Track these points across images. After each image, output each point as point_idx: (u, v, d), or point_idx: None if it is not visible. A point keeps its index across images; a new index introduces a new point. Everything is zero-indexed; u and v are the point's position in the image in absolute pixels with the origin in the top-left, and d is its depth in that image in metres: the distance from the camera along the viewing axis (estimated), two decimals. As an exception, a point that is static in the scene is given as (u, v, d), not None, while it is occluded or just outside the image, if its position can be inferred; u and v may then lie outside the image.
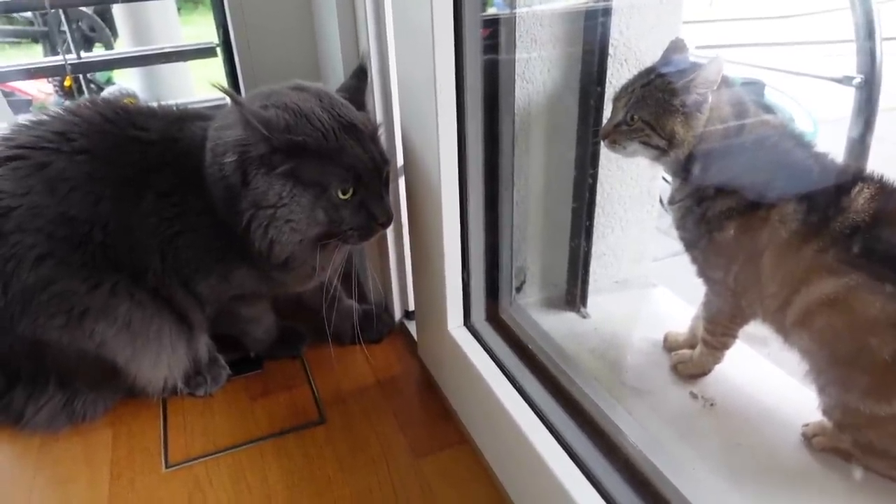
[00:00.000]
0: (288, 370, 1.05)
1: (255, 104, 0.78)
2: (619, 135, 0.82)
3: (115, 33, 2.35)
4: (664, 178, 1.38)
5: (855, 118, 1.67)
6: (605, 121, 1.02)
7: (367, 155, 0.81)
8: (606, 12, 0.99)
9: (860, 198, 0.71)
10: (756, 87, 1.61)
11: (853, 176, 0.73)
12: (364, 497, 0.81)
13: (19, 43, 2.37)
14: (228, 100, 0.78)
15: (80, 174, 0.84)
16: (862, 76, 1.64)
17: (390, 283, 1.11)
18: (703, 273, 0.88)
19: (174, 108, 0.93)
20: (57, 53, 2.29)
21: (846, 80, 1.66)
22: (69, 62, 1.09)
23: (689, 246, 0.87)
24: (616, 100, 0.85)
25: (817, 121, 1.60)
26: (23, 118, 0.95)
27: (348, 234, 0.82)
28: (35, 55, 2.50)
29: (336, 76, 1.04)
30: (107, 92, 1.82)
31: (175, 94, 1.87)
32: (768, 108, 1.69)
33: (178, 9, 2.46)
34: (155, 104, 0.93)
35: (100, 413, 0.96)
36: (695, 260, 0.88)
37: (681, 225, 0.86)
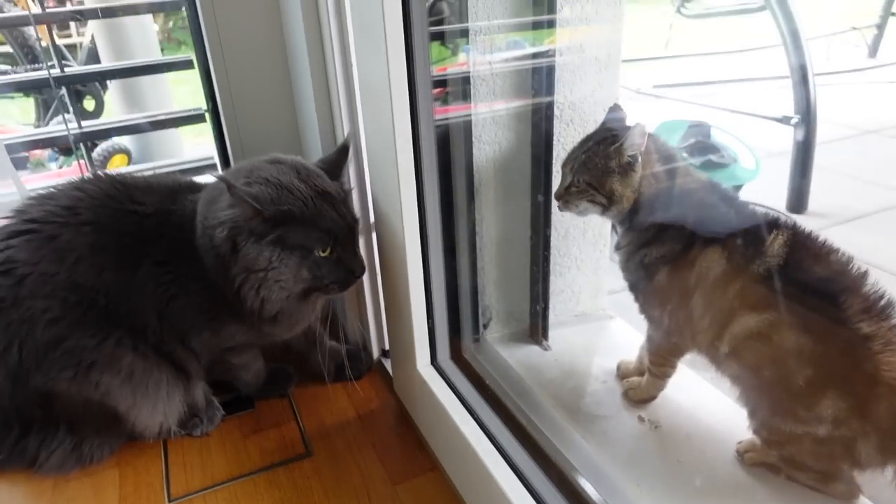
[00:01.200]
0: (277, 408, 1.16)
1: (239, 180, 0.90)
2: (570, 196, 0.94)
3: (104, 86, 2.47)
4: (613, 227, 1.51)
5: (795, 154, 1.82)
6: (555, 173, 1.15)
7: (341, 218, 0.92)
8: (551, 72, 1.11)
9: (775, 244, 0.81)
10: (702, 128, 1.76)
11: (770, 224, 0.83)
12: (348, 522, 0.92)
13: (12, 97, 2.47)
14: (217, 162, 0.90)
15: (85, 245, 0.94)
16: (799, 116, 1.79)
17: (368, 325, 1.22)
18: (643, 310, 0.99)
19: (168, 181, 1.04)
20: (48, 108, 2.40)
21: (785, 120, 1.81)
22: (72, 132, 1.20)
23: (632, 287, 0.98)
24: (564, 166, 0.97)
25: (760, 158, 1.74)
26: (30, 183, 1.06)
27: (329, 286, 0.94)
28: (27, 107, 2.59)
29: (314, 142, 1.16)
30: (101, 148, 1.94)
31: (164, 149, 1.99)
32: (714, 148, 1.84)
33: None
34: (150, 175, 1.04)
35: (106, 455, 1.05)
36: (636, 299, 0.99)
37: (625, 268, 0.98)
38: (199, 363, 1.04)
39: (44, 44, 2.46)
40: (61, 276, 0.93)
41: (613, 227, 1.39)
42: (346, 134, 1.08)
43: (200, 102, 1.33)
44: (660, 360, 1.01)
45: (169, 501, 0.97)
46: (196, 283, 0.96)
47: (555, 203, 1.17)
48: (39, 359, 0.93)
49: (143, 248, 0.95)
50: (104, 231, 0.95)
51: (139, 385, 0.98)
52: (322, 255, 0.91)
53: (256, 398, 1.17)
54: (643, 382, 1.07)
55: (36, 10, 1.14)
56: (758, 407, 0.88)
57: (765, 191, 1.87)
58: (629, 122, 0.95)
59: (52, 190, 1.00)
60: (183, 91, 3.11)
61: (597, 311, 1.35)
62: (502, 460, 0.82)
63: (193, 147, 2.79)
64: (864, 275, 0.77)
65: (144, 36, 1.90)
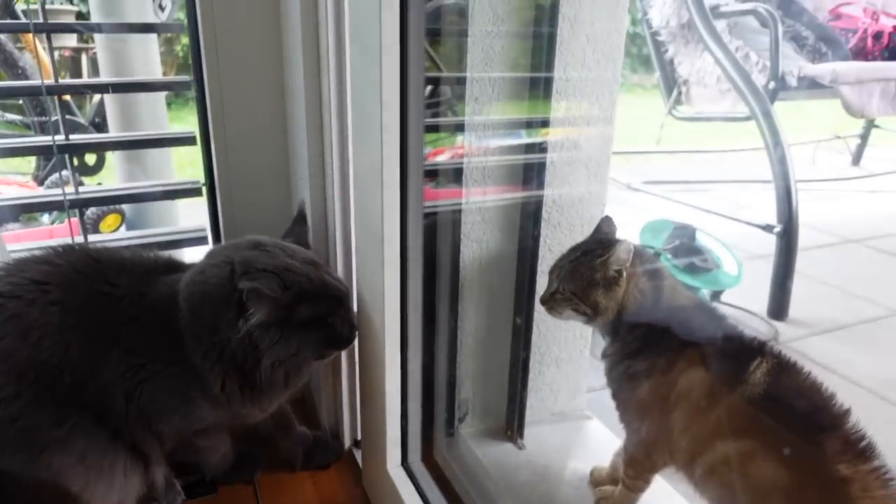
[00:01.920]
0: (240, 494, 1.12)
1: (224, 270, 0.92)
2: (555, 302, 0.95)
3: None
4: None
5: (776, 262, 1.86)
6: (540, 274, 1.17)
7: (336, 281, 0.96)
8: (541, 171, 1.15)
9: (758, 371, 0.81)
10: (687, 230, 1.80)
11: (755, 349, 0.83)
12: None
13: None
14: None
15: (52, 324, 0.92)
16: (781, 226, 1.84)
17: (342, 412, 1.20)
18: (623, 420, 0.98)
19: (144, 260, 1.02)
20: (49, 159, 2.43)
21: (768, 229, 1.87)
22: (67, 198, 1.21)
23: (614, 395, 0.98)
24: (551, 272, 0.98)
25: (742, 263, 1.78)
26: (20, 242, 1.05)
27: (340, 346, 0.99)
28: (28, 160, 2.62)
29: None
30: (95, 207, 1.95)
31: (160, 213, 2.00)
32: (698, 251, 1.87)
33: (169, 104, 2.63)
34: (127, 252, 1.03)
35: (55, 536, 1.01)
36: (617, 408, 0.98)
37: (608, 376, 0.97)
38: (160, 448, 1.01)
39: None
40: (23, 353, 0.90)
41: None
42: (335, 218, 1.11)
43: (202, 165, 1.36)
44: (635, 473, 0.99)
45: (116, 592, 0.93)
46: (169, 367, 0.94)
47: (537, 301, 1.19)
48: None
49: (113, 332, 0.94)
50: (72, 311, 0.94)
51: (93, 467, 0.94)
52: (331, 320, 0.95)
53: (220, 483, 1.14)
54: (616, 493, 1.06)
55: (49, 81, 1.17)
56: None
57: (746, 295, 1.91)
58: (619, 234, 0.98)
59: (20, 260, 0.98)
60: (185, 151, 3.16)
61: (574, 411, 1.34)
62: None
63: (188, 213, 2.82)
64: (847, 413, 0.77)
65: (154, 105, 1.95)
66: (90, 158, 2.38)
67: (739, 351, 0.85)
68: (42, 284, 0.94)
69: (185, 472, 1.11)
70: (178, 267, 1.01)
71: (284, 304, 0.91)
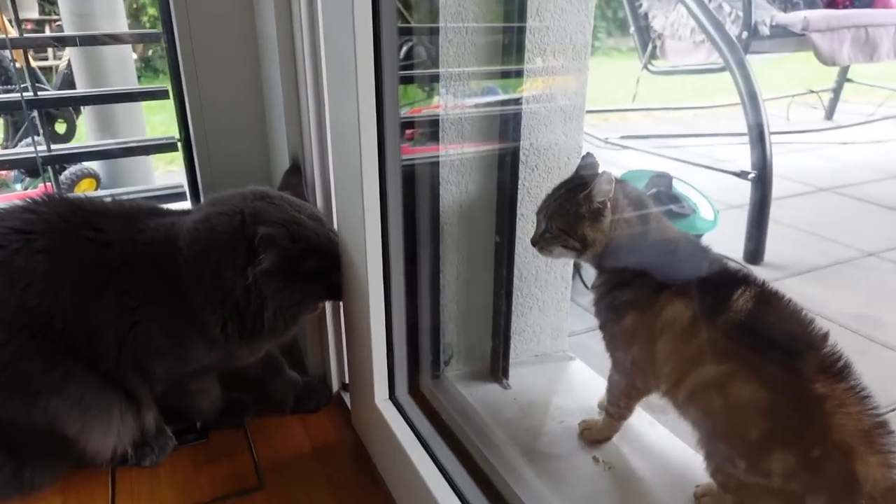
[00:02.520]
0: (231, 439, 1.14)
1: (234, 219, 0.94)
2: (545, 241, 0.98)
3: (77, 110, 2.46)
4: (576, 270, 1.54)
5: (752, 207, 1.90)
6: (520, 216, 1.19)
7: (334, 238, 1.00)
8: (518, 118, 1.16)
9: (741, 300, 0.83)
10: (664, 178, 1.83)
11: (739, 279, 0.86)
12: (295, 557, 0.90)
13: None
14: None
15: (39, 271, 0.92)
16: (756, 171, 1.88)
17: (329, 357, 1.22)
18: (609, 350, 1.02)
19: (127, 206, 1.03)
20: (19, 128, 2.38)
21: (743, 175, 1.90)
22: (41, 154, 1.19)
23: (601, 326, 1.01)
24: (538, 213, 1.00)
25: (718, 210, 1.81)
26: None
27: (340, 296, 1.04)
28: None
29: (284, 170, 1.18)
30: (69, 171, 1.92)
31: (134, 175, 1.98)
32: (675, 198, 1.90)
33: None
34: (109, 200, 1.04)
35: (48, 482, 1.02)
36: (604, 338, 1.02)
37: (595, 307, 1.00)
38: (150, 391, 1.03)
39: (17, 65, 2.46)
40: (10, 301, 0.91)
41: (576, 269, 1.44)
42: (313, 168, 1.11)
43: (176, 130, 1.35)
44: (619, 402, 1.03)
45: (113, 533, 0.95)
46: (165, 309, 0.96)
47: (518, 244, 1.21)
48: None
49: (104, 277, 0.95)
50: (60, 259, 0.94)
51: (89, 408, 0.96)
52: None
53: (211, 428, 1.16)
54: (599, 423, 1.09)
55: (14, 34, 1.14)
56: (713, 452, 0.90)
57: (722, 241, 1.95)
58: (599, 170, 0.99)
59: (1, 209, 0.98)
60: (159, 119, 3.12)
61: (557, 352, 1.37)
62: (456, 499, 0.82)
63: (165, 175, 2.79)
64: (825, 336, 0.80)
65: (122, 63, 1.91)
66: (60, 127, 2.33)
67: (724, 280, 0.88)
68: (26, 233, 0.94)
69: (177, 420, 1.13)
70: (161, 213, 1.02)
71: (292, 255, 0.94)
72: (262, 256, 0.93)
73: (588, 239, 0.94)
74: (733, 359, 0.84)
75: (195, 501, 1.00)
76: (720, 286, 0.87)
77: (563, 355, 1.37)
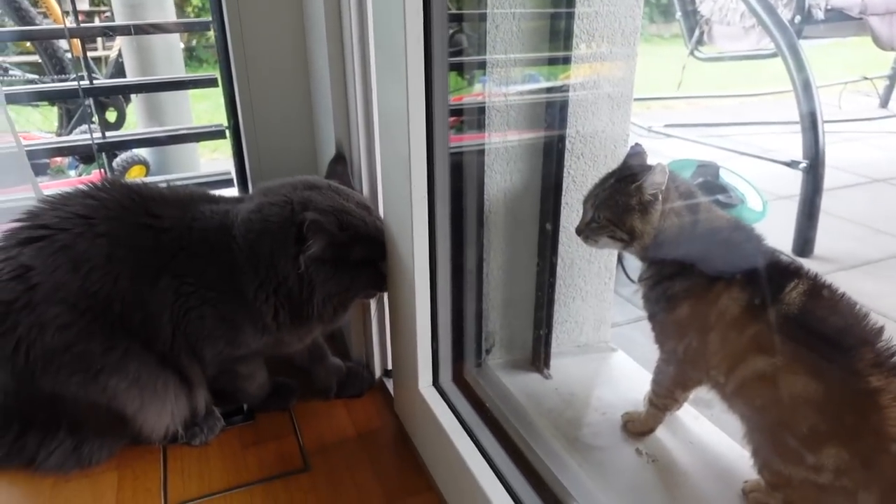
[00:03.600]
0: (277, 422, 1.16)
1: (285, 209, 0.96)
2: (591, 231, 0.96)
3: (127, 99, 2.53)
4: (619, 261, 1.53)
5: (802, 198, 1.84)
6: (564, 205, 1.18)
7: (381, 227, 1.01)
8: (564, 106, 1.15)
9: (794, 292, 0.82)
10: (710, 168, 1.78)
11: (792, 272, 0.84)
12: (340, 538, 0.92)
13: (37, 105, 2.53)
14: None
15: (100, 255, 0.96)
16: (807, 161, 1.82)
17: (372, 344, 1.23)
18: (658, 341, 1.00)
19: (182, 193, 1.06)
20: (71, 117, 2.46)
21: (794, 164, 1.84)
22: (95, 142, 1.23)
23: (651, 317, 0.99)
24: (585, 201, 0.99)
25: (767, 200, 1.76)
26: (49, 189, 1.09)
27: (374, 291, 1.06)
28: (50, 115, 2.65)
29: (329, 158, 1.19)
30: (120, 158, 1.98)
31: (181, 162, 2.03)
32: (722, 188, 1.86)
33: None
34: (164, 186, 1.07)
35: (105, 457, 1.06)
36: (653, 329, 1.00)
37: (646, 298, 0.99)
38: (202, 373, 1.06)
39: (70, 55, 2.54)
40: (74, 284, 0.95)
41: (619, 260, 1.42)
42: (359, 155, 1.12)
43: (221, 119, 1.37)
44: (665, 393, 1.02)
45: (165, 508, 0.98)
46: (218, 295, 0.99)
47: (562, 233, 1.20)
48: (48, 362, 0.95)
49: (160, 262, 0.98)
50: (119, 243, 0.98)
51: (146, 388, 0.99)
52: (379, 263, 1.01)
53: (257, 411, 1.18)
54: (642, 415, 1.08)
55: (70, 24, 1.18)
56: (761, 447, 0.88)
57: (771, 233, 1.89)
58: (649, 161, 0.98)
59: (63, 194, 1.02)
60: (203, 107, 3.18)
61: (599, 343, 1.36)
62: (500, 485, 0.82)
63: (209, 163, 2.84)
64: (880, 330, 0.78)
65: (170, 53, 1.96)
66: (111, 115, 2.40)
67: (777, 272, 0.86)
68: (87, 218, 0.97)
69: (225, 402, 1.16)
70: (214, 199, 1.04)
71: (340, 242, 0.96)
72: (311, 242, 0.94)
73: (636, 231, 0.93)
74: (785, 351, 0.81)
75: (243, 481, 1.03)
76: (773, 278, 0.85)
77: (605, 346, 1.36)
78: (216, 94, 1.37)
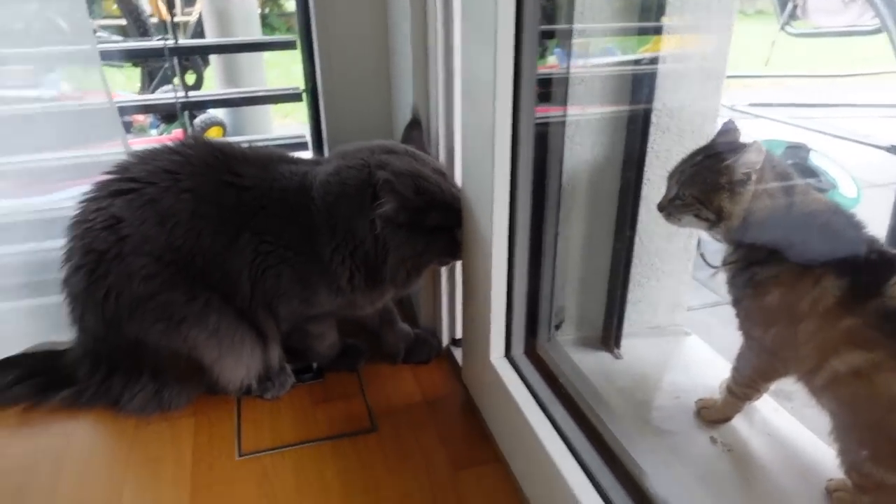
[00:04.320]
0: (345, 381, 1.18)
1: (363, 172, 0.97)
2: (674, 208, 0.92)
3: (205, 62, 2.59)
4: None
5: (901, 186, 1.71)
6: (646, 181, 1.13)
7: (458, 195, 1.00)
8: (652, 78, 1.10)
9: None
10: (800, 150, 1.68)
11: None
12: (407, 499, 0.93)
13: (121, 66, 2.63)
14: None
15: (185, 211, 0.99)
16: (910, 146, 1.68)
17: (441, 312, 1.23)
18: (743, 328, 0.96)
19: (263, 153, 1.07)
20: (153, 78, 2.54)
21: (893, 150, 1.71)
22: (179, 100, 1.26)
23: (736, 303, 0.95)
24: (670, 177, 0.95)
25: (861, 187, 1.65)
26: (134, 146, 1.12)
27: (448, 259, 1.06)
28: (133, 76, 2.75)
29: (404, 122, 1.18)
30: (199, 119, 2.03)
31: (256, 125, 2.07)
32: (812, 172, 1.76)
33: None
34: (246, 146, 1.08)
35: (183, 404, 1.10)
36: (738, 315, 0.95)
37: (731, 283, 0.94)
38: (277, 329, 1.08)
39: (153, 19, 2.62)
40: (160, 238, 0.98)
41: (700, 250, 1.36)
42: (437, 121, 1.10)
43: (290, 84, 1.38)
44: (747, 381, 0.98)
45: (239, 455, 1.02)
46: (296, 255, 1.00)
47: (644, 210, 1.16)
48: (134, 310, 0.99)
49: (242, 220, 1.00)
50: (203, 200, 1.00)
51: (224, 339, 1.02)
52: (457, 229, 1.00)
53: (326, 370, 1.21)
54: (719, 402, 1.04)
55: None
56: (850, 447, 0.83)
57: (864, 222, 1.78)
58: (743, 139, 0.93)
59: (152, 149, 1.05)
60: (274, 73, 3.24)
61: (672, 326, 1.32)
62: (572, 459, 0.81)
63: (280, 127, 2.90)
64: None
65: (248, 18, 1.99)
66: (190, 78, 2.47)
67: (879, 262, 0.80)
68: (174, 174, 1.00)
69: (295, 359, 1.18)
70: (294, 160, 1.05)
71: (415, 207, 0.96)
72: (383, 200, 0.94)
73: (724, 211, 0.88)
74: (885, 348, 0.76)
75: (312, 436, 1.05)
76: (874, 269, 0.80)
77: (678, 329, 1.31)
78: (286, 62, 1.39)
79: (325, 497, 0.93)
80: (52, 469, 0.99)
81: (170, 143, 1.05)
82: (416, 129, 1.12)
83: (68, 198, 1.16)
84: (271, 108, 2.28)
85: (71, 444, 1.04)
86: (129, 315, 1.00)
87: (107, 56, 1.12)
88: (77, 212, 1.03)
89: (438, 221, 0.99)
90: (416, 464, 0.99)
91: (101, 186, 1.02)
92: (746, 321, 0.95)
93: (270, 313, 1.04)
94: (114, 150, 1.18)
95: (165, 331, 0.99)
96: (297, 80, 1.40)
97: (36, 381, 1.12)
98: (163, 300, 0.98)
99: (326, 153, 1.30)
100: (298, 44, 1.29)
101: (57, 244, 1.06)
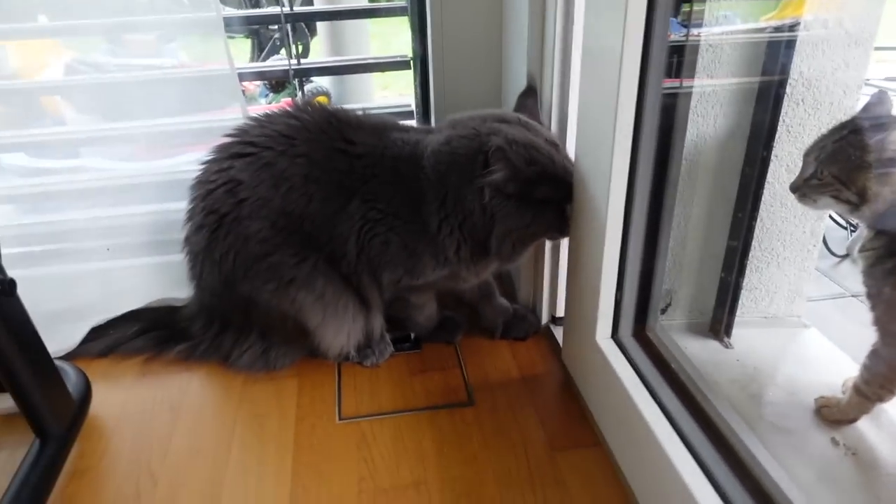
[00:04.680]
0: (443, 353, 1.18)
1: (474, 141, 0.95)
2: (809, 189, 0.85)
3: (312, 32, 2.65)
4: (837, 223, 1.34)
5: None
6: (774, 157, 1.05)
7: (570, 168, 0.96)
8: (790, 46, 1.00)
9: None
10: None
11: None
12: (504, 476, 0.92)
13: (232, 37, 2.72)
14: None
15: (298, 175, 1.01)
16: None
17: (541, 289, 1.20)
18: (880, 322, 0.88)
19: (376, 120, 1.07)
20: (262, 49, 2.62)
21: None
22: (292, 67, 1.29)
23: (872, 295, 0.87)
24: (807, 154, 0.87)
25: None
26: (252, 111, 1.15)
27: (556, 234, 1.02)
28: (243, 46, 2.85)
29: (517, 94, 1.14)
30: (306, 88, 2.08)
31: (359, 94, 2.09)
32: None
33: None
34: (359, 113, 1.08)
35: (288, 364, 1.14)
36: (874, 308, 0.88)
37: (868, 273, 0.86)
38: (380, 297, 1.09)
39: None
40: (275, 202, 1.01)
41: (824, 237, 1.25)
42: (552, 90, 1.06)
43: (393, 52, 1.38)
44: (880, 381, 0.89)
45: (339, 419, 1.04)
46: (404, 223, 1.00)
47: (768, 189, 1.07)
48: (248, 269, 1.03)
49: (352, 185, 1.00)
50: (316, 165, 1.01)
51: (329, 305, 1.04)
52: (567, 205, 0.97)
53: (424, 341, 1.21)
54: (843, 401, 0.96)
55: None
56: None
57: None
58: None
59: (269, 114, 1.07)
60: (375, 45, 3.27)
61: (790, 317, 1.23)
62: (683, 446, 0.76)
63: (380, 98, 2.93)
64: None
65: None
66: (296, 48, 2.53)
67: None
68: (290, 138, 1.02)
69: (394, 328, 1.19)
70: (405, 129, 1.04)
71: (525, 178, 0.93)
72: (494, 167, 0.92)
73: (869, 193, 0.80)
74: None
75: (410, 405, 1.06)
76: None
77: (796, 321, 1.22)
78: (386, 34, 1.37)
79: (423, 466, 0.94)
80: (169, 418, 1.05)
81: (287, 108, 1.07)
82: (531, 97, 1.09)
83: (189, 161, 1.22)
84: (373, 79, 2.30)
85: (185, 395, 1.10)
86: (243, 274, 1.03)
87: (226, 24, 1.15)
88: (199, 173, 1.07)
89: (548, 195, 0.96)
90: (513, 441, 0.98)
91: (221, 149, 1.06)
92: (885, 315, 0.86)
93: (374, 281, 1.05)
94: (232, 115, 1.22)
95: (275, 291, 1.02)
96: (398, 50, 1.40)
97: (156, 335, 1.20)
98: (275, 261, 1.01)
99: (433, 123, 1.29)
100: (409, 10, 1.28)
101: (177, 206, 1.12)
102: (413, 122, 1.39)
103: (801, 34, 1.00)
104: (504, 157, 0.91)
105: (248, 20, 1.70)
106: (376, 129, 1.05)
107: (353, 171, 1.00)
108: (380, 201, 1.00)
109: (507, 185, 0.94)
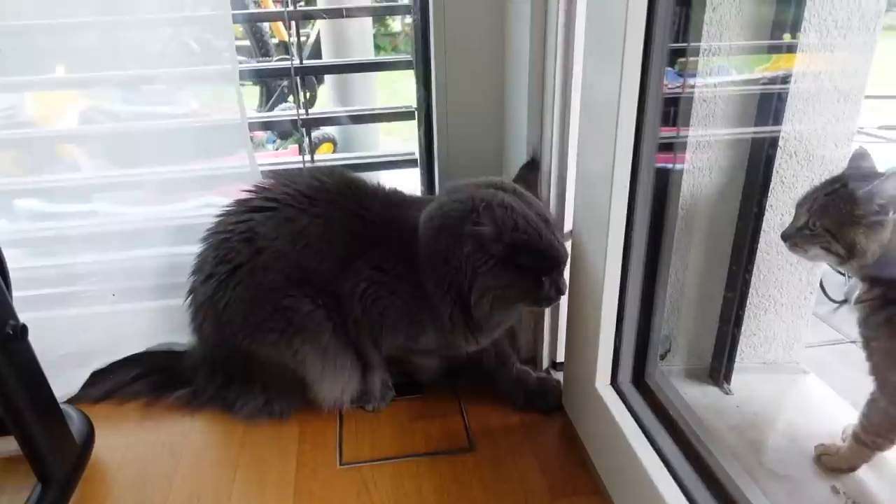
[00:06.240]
0: (444, 398, 1.19)
1: (466, 205, 0.96)
2: (801, 239, 0.88)
3: (319, 80, 2.72)
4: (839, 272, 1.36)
5: None
6: (769, 207, 1.07)
7: (560, 247, 0.97)
8: (781, 99, 1.04)
9: None
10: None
11: None
12: (505, 524, 0.92)
13: (243, 84, 2.80)
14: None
15: (315, 235, 1.04)
16: None
17: (542, 336, 1.21)
18: (877, 372, 0.89)
19: (390, 192, 1.12)
20: (270, 96, 2.69)
21: None
22: (300, 118, 1.33)
23: (868, 344, 0.89)
24: (799, 205, 0.90)
25: None
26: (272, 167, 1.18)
27: (542, 304, 1.02)
28: (251, 94, 2.93)
29: (518, 155, 1.18)
30: (313, 135, 2.14)
31: (364, 142, 2.14)
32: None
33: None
34: (376, 184, 1.12)
35: (289, 413, 1.15)
36: (870, 358, 0.89)
37: (863, 323, 0.88)
38: (380, 357, 1.11)
39: (274, 40, 2.78)
40: (290, 256, 1.04)
41: (821, 282, 1.27)
42: (551, 145, 1.09)
43: (398, 102, 1.41)
44: (878, 431, 0.90)
45: (340, 464, 1.04)
46: (406, 290, 1.02)
47: (764, 238, 1.10)
48: (250, 318, 1.04)
49: (362, 249, 1.04)
50: (332, 226, 1.05)
51: (329, 361, 1.06)
52: (545, 278, 0.97)
53: (426, 384, 1.22)
54: (843, 449, 0.96)
55: (289, 7, 1.28)
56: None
57: None
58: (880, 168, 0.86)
59: (291, 172, 1.13)
60: (382, 94, 3.35)
61: (789, 363, 1.24)
62: (682, 495, 0.77)
63: (383, 143, 2.99)
64: None
65: (362, 37, 2.07)
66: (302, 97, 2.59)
67: None
68: (311, 198, 1.06)
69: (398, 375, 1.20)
70: (423, 205, 1.06)
71: (509, 241, 0.94)
72: (482, 221, 0.94)
73: (857, 247, 0.82)
74: None
75: (410, 451, 1.06)
76: None
77: (795, 367, 1.23)
78: (391, 83, 1.41)
79: (423, 512, 0.94)
80: (171, 462, 1.06)
81: (307, 168, 1.13)
82: (532, 171, 1.12)
83: (196, 206, 1.24)
84: (378, 125, 2.36)
85: (187, 440, 1.11)
86: (243, 322, 1.05)
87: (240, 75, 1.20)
88: (214, 225, 1.10)
89: (529, 263, 0.96)
90: (514, 488, 0.98)
91: (240, 203, 1.09)
92: (881, 364, 0.88)
93: (375, 342, 1.07)
94: (239, 162, 1.25)
95: (278, 341, 1.04)
96: (403, 99, 1.44)
97: (155, 379, 1.21)
98: (283, 307, 1.03)
99: (437, 170, 1.32)
100: (414, 63, 1.32)
101: (182, 250, 1.14)
102: (417, 170, 1.42)
103: (791, 87, 1.04)
104: (492, 217, 0.93)
105: (259, 73, 1.76)
106: (391, 202, 1.09)
107: (365, 235, 1.04)
108: (386, 266, 1.02)
109: (492, 245, 0.95)
